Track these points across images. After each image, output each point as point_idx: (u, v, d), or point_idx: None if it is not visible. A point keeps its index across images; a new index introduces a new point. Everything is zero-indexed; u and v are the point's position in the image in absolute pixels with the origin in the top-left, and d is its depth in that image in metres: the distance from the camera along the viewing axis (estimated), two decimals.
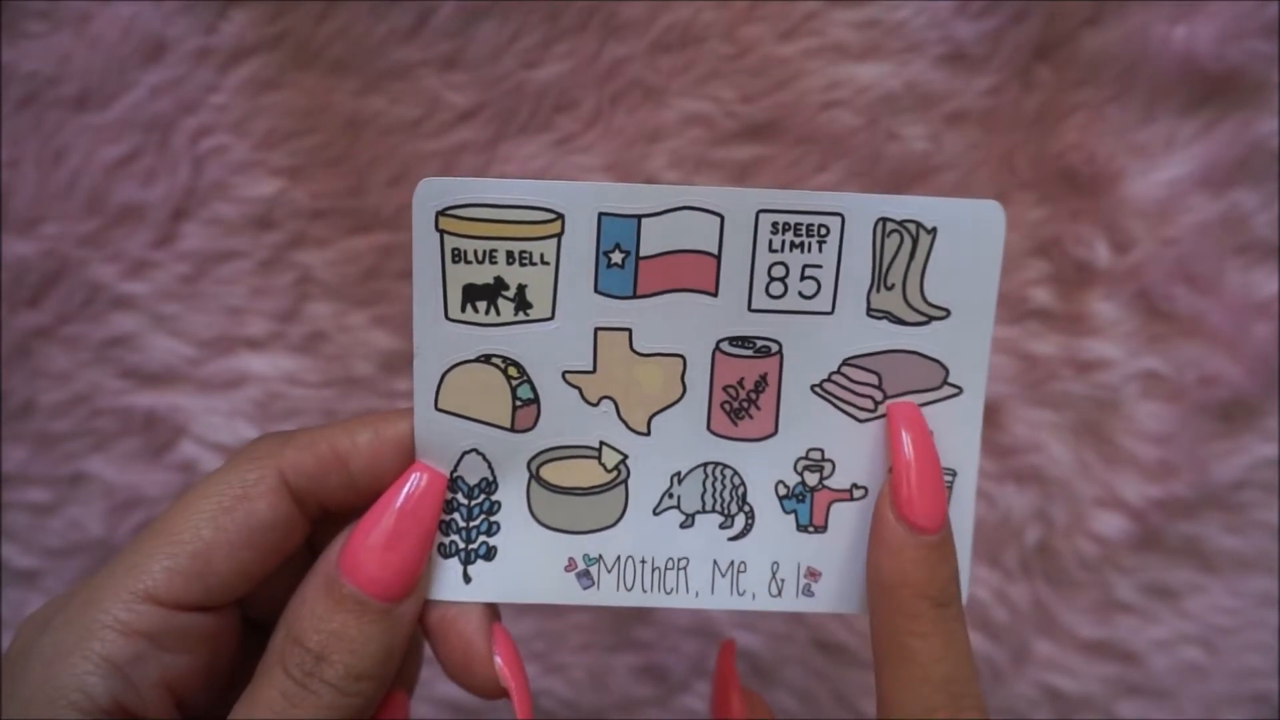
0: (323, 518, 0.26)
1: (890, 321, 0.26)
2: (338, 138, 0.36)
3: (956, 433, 0.26)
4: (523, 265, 0.25)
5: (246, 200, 0.37)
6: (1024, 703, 0.39)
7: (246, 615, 0.26)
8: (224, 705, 0.25)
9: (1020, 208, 0.36)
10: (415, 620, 0.25)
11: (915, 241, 0.25)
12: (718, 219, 0.25)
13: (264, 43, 0.36)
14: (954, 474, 0.26)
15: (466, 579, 0.26)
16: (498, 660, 0.25)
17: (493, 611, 0.26)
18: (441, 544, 0.26)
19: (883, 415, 0.26)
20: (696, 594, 0.27)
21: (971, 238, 0.25)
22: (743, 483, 0.26)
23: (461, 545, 0.26)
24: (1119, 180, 0.36)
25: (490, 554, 0.26)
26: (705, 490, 0.26)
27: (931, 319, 0.26)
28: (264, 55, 0.36)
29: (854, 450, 0.26)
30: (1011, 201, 0.36)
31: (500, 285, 0.25)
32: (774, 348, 0.26)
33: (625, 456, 0.26)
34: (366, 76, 0.36)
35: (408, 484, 0.25)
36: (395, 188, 0.36)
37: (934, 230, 0.25)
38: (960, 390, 0.26)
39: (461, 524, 0.26)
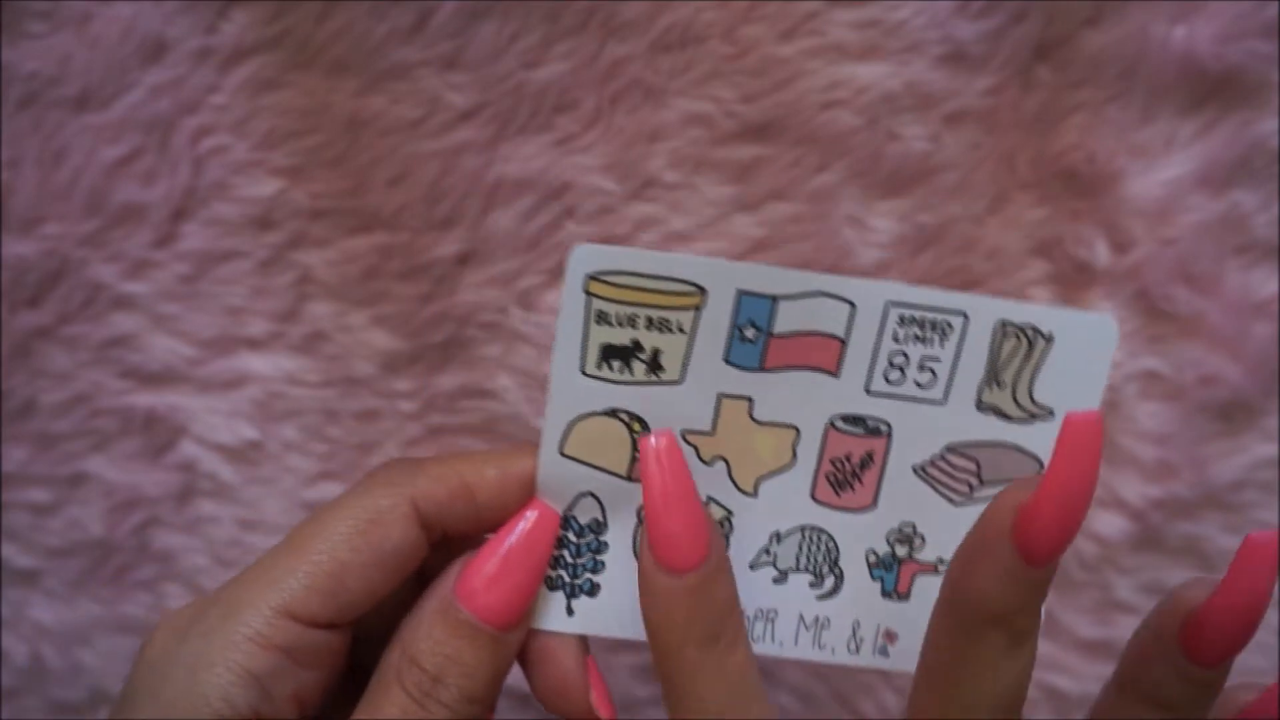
0: (441, 543, 0.27)
1: (997, 417, 0.27)
2: (338, 138, 0.36)
3: None
4: (661, 332, 0.26)
5: (246, 200, 0.37)
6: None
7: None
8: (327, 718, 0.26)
9: (1020, 208, 0.36)
10: (519, 648, 0.27)
11: (1031, 346, 0.26)
12: (850, 307, 0.26)
13: (264, 43, 0.36)
14: None
15: (569, 612, 0.27)
16: (592, 694, 0.27)
17: (586, 646, 0.28)
18: (548, 577, 0.27)
19: (979, 500, 0.27)
20: (780, 644, 0.28)
21: (1083, 347, 0.26)
22: (836, 548, 0.28)
23: (567, 580, 0.27)
24: (1119, 180, 0.36)
25: (594, 590, 0.27)
26: (801, 551, 0.28)
27: (1035, 418, 0.27)
28: (264, 55, 0.36)
29: (945, 528, 0.27)
30: (1011, 201, 0.36)
31: (637, 348, 0.26)
32: (884, 429, 0.27)
33: (730, 513, 0.27)
34: (366, 76, 0.36)
35: (524, 520, 0.26)
36: (395, 188, 0.36)
37: (1050, 337, 0.26)
38: None
39: (569, 560, 0.27)
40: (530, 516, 0.26)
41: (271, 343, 0.38)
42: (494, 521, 0.27)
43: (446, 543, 0.27)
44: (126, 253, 0.37)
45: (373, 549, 0.25)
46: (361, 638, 0.27)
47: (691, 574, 0.25)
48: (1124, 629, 0.38)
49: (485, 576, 0.25)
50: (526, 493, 0.27)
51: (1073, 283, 0.37)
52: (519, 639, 0.26)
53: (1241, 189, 0.36)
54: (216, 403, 0.38)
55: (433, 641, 0.25)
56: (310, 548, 0.25)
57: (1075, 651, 0.39)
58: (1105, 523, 0.38)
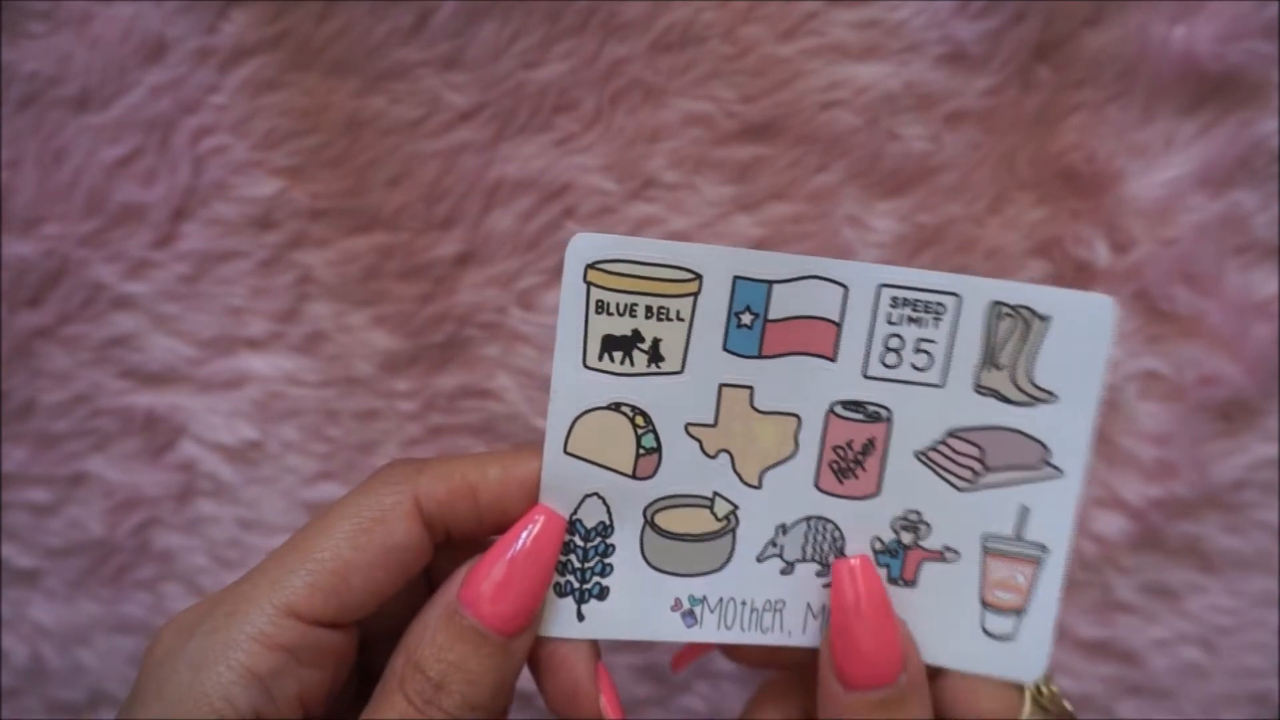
0: (445, 544, 0.27)
1: (997, 400, 0.27)
2: (338, 138, 0.36)
3: (1051, 512, 0.27)
4: (660, 320, 0.26)
5: (246, 200, 0.37)
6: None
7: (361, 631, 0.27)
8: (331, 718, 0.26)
9: (1020, 208, 0.36)
10: (527, 656, 0.26)
11: (1028, 327, 0.26)
12: (843, 290, 0.26)
13: (264, 43, 0.36)
14: (1045, 550, 0.27)
15: (580, 617, 0.27)
16: (602, 700, 0.27)
17: (597, 651, 0.27)
18: (557, 583, 0.27)
19: (984, 487, 0.27)
20: (789, 633, 0.28)
21: (1082, 328, 0.26)
22: (842, 536, 0.28)
23: (576, 585, 0.27)
24: (1119, 180, 0.36)
25: (603, 594, 0.27)
26: (807, 541, 0.28)
27: (1037, 401, 0.27)
28: (264, 55, 0.36)
29: (950, 515, 0.27)
30: (1011, 201, 0.36)
31: (637, 337, 0.26)
32: (884, 414, 0.27)
33: (736, 507, 0.27)
34: (366, 76, 0.36)
35: (530, 525, 0.26)
36: (395, 188, 0.36)
37: (1047, 318, 0.26)
38: (1060, 472, 0.27)
39: (577, 565, 0.27)
40: (537, 521, 0.26)
41: (271, 343, 0.38)
42: (496, 523, 0.26)
43: (452, 545, 0.27)
44: (126, 253, 0.37)
45: (376, 547, 0.25)
46: (372, 641, 0.27)
47: (878, 690, 0.25)
48: (1124, 629, 0.38)
49: (491, 582, 0.25)
50: (529, 494, 0.26)
51: (1073, 283, 0.37)
52: (526, 645, 0.26)
53: (1241, 189, 0.36)
54: (216, 403, 0.38)
55: (436, 647, 0.25)
56: (314, 546, 0.25)
57: (1075, 651, 0.39)
58: (1105, 523, 0.38)
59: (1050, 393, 0.27)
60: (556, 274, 0.37)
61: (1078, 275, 0.36)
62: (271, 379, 0.38)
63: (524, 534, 0.26)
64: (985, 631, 0.28)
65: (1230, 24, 0.34)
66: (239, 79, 0.36)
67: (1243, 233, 0.36)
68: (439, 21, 0.35)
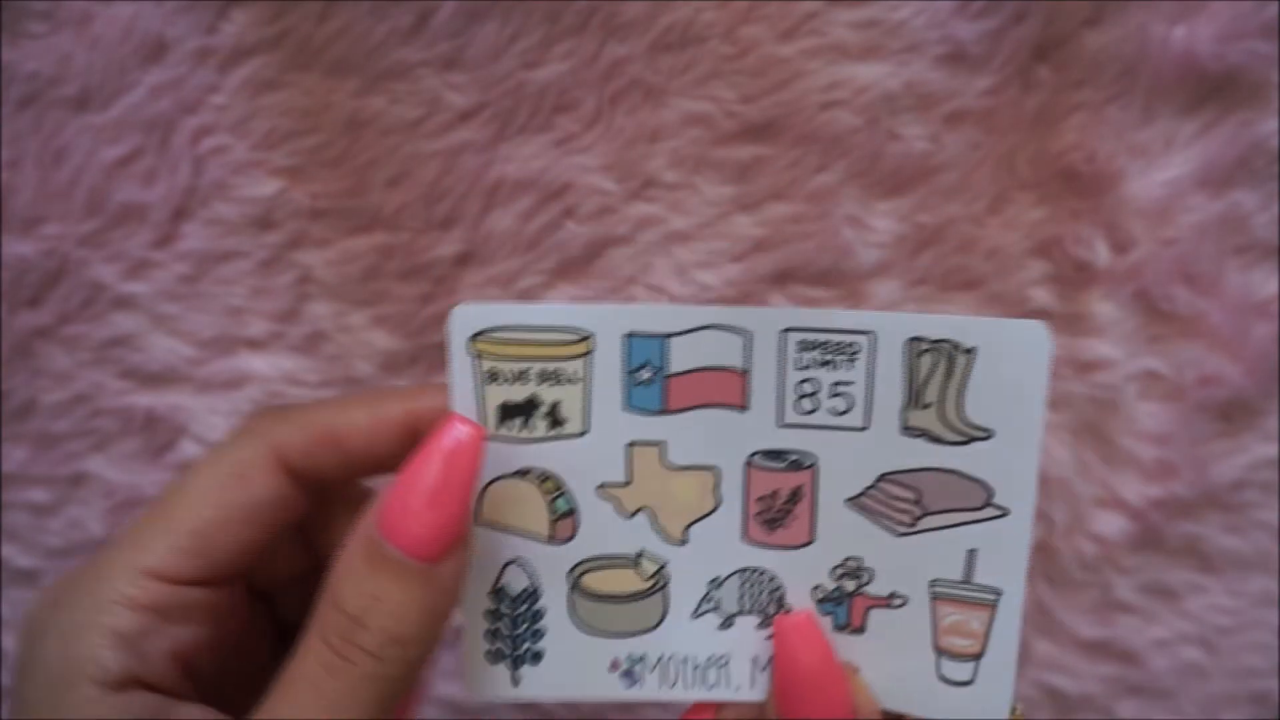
0: (321, 491, 0.26)
1: (927, 440, 0.26)
2: (338, 138, 0.36)
3: (1002, 553, 0.26)
4: (555, 384, 0.25)
5: (246, 200, 0.37)
6: (1024, 703, 0.39)
7: (254, 586, 0.27)
8: (235, 674, 0.26)
9: (1020, 208, 0.36)
10: (459, 583, 0.24)
11: (953, 361, 0.25)
12: (744, 337, 0.25)
13: (264, 43, 0.36)
14: (998, 593, 0.26)
15: (515, 681, 0.27)
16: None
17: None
18: (489, 651, 0.27)
19: (924, 530, 0.26)
20: (738, 688, 0.27)
21: (1015, 357, 0.25)
22: (781, 586, 0.27)
23: (509, 651, 0.27)
24: (1119, 180, 0.36)
25: (537, 658, 0.27)
26: (743, 594, 0.27)
27: (971, 439, 0.26)
28: (264, 55, 0.36)
29: (893, 561, 0.26)
30: (1011, 201, 0.36)
31: (535, 403, 0.25)
32: (807, 461, 0.26)
33: (663, 565, 0.27)
34: (366, 76, 0.36)
35: (446, 437, 0.24)
36: (395, 188, 0.36)
37: (973, 350, 0.25)
38: (1006, 512, 0.26)
39: (507, 633, 0.27)
40: (452, 433, 0.24)
41: (271, 343, 0.38)
42: (366, 470, 0.25)
43: (331, 493, 0.26)
44: (126, 253, 0.37)
45: (237, 504, 0.25)
46: (275, 590, 0.26)
47: None
48: (1124, 629, 0.38)
49: (409, 505, 0.23)
50: (401, 437, 0.25)
51: (1073, 283, 0.37)
52: (455, 571, 0.24)
53: (1241, 189, 0.36)
54: (216, 403, 0.38)
55: (355, 581, 0.23)
56: (174, 506, 0.25)
57: (1075, 651, 0.39)
58: (1105, 523, 0.38)
59: (985, 429, 0.25)
60: (557, 274, 0.37)
61: (1078, 275, 0.36)
62: (271, 379, 0.38)
63: (440, 449, 0.24)
64: (942, 678, 0.27)
65: (1230, 24, 0.34)
66: (239, 79, 0.36)
67: (1243, 233, 0.36)
68: (439, 21, 0.35)
